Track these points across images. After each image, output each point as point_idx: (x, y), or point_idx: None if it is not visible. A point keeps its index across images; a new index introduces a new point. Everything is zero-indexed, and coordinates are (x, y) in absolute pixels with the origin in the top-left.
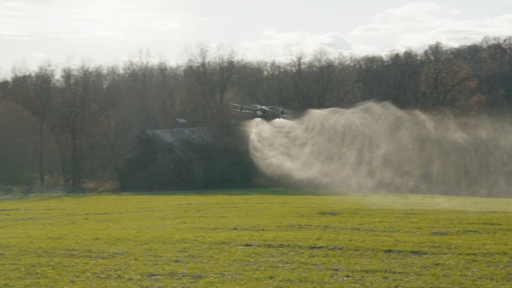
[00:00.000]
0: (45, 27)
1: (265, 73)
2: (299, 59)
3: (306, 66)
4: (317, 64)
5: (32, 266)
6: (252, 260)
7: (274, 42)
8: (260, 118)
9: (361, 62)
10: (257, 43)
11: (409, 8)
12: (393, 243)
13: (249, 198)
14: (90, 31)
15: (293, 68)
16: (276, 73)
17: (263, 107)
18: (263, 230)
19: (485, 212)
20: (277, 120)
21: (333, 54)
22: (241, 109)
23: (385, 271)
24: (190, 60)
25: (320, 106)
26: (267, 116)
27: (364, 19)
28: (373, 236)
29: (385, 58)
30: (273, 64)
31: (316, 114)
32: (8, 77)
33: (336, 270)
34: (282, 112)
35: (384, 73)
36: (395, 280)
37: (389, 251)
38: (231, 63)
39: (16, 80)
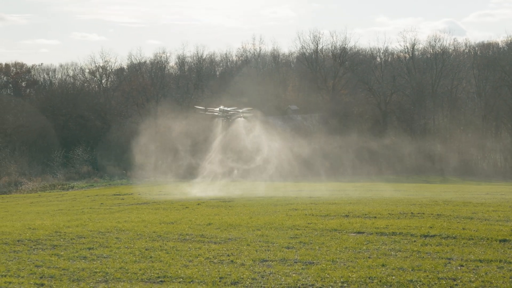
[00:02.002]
0: (160, 15)
1: (378, 59)
2: (412, 45)
3: (419, 53)
4: (431, 50)
5: (146, 250)
6: (364, 247)
7: (387, 29)
8: (220, 119)
9: (476, 48)
10: (369, 29)
11: None
12: (508, 232)
13: (360, 185)
14: (204, 18)
15: (406, 55)
16: (389, 59)
17: (226, 108)
18: (375, 217)
19: None
20: (238, 119)
21: (448, 40)
22: (205, 111)
23: (500, 261)
24: (303, 47)
25: (433, 93)
26: (229, 117)
27: (479, 5)
28: (487, 225)
29: (501, 44)
30: (386, 50)
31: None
32: (124, 64)
33: (449, 259)
34: (243, 113)
35: (500, 59)
36: (510, 270)
37: (504, 240)
38: (344, 50)
39: (132, 67)
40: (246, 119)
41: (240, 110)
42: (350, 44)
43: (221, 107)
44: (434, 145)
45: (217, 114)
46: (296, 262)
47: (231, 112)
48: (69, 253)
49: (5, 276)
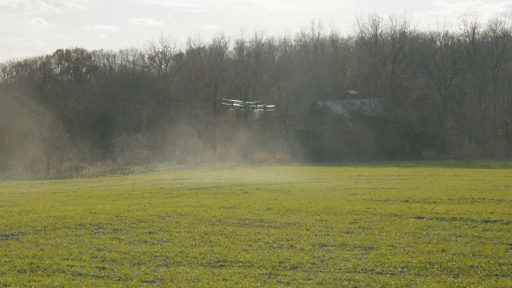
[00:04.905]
0: (218, 0)
1: (438, 43)
2: (473, 29)
3: (480, 36)
4: (492, 34)
5: (206, 234)
6: (424, 233)
7: (445, 12)
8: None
9: None
10: (428, 13)
11: None
12: None
13: (419, 170)
14: (261, 3)
15: (467, 39)
16: (449, 43)
17: (248, 102)
18: (435, 203)
19: None
20: (255, 111)
21: (509, 24)
22: (231, 104)
23: None
24: (362, 31)
25: (494, 77)
26: (248, 110)
27: None
28: None
29: None
30: (446, 34)
31: None
32: (183, 49)
33: (511, 245)
34: (256, 105)
35: None
36: None
37: None
38: (403, 34)
39: (191, 52)
40: (261, 114)
41: (262, 105)
42: (410, 28)
43: (245, 102)
44: (495, 129)
45: (238, 106)
46: (355, 247)
47: (252, 107)
48: (129, 237)
49: (67, 259)
